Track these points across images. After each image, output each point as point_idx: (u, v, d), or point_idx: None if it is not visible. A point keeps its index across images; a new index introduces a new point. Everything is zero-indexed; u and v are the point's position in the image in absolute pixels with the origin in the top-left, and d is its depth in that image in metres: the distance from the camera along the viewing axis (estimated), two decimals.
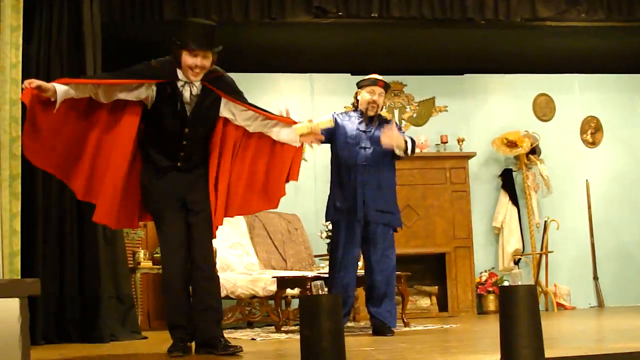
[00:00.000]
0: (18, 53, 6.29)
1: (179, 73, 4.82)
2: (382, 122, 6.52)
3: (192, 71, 4.75)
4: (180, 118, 4.85)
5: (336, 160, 6.44)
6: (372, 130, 6.39)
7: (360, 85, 6.56)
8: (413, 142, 6.34)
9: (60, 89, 4.65)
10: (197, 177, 4.99)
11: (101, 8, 7.25)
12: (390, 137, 6.19)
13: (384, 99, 6.65)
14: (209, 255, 5.04)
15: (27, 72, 6.57)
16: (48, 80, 6.63)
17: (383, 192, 6.31)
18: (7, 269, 5.95)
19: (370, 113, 6.43)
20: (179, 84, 4.83)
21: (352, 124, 6.46)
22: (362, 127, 6.42)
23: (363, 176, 6.26)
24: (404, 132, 6.52)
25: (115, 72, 4.84)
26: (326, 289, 3.30)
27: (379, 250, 6.26)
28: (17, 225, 6.11)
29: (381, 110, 6.59)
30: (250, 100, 5.16)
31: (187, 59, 4.73)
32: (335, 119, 6.48)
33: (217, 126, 5.01)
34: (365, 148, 6.32)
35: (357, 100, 6.57)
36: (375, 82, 6.47)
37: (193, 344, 4.98)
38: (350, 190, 6.28)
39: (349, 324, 7.48)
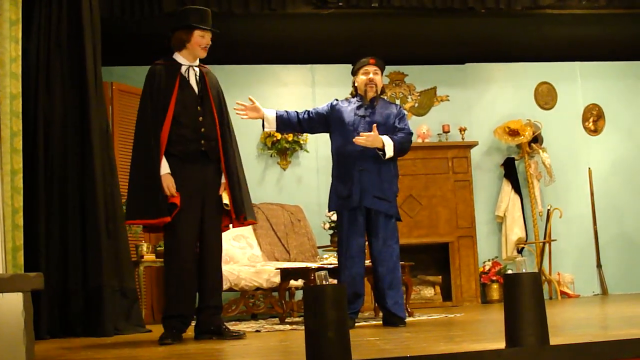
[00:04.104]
0: (17, 47, 6.28)
1: (180, 58, 5.44)
2: (386, 105, 6.43)
3: (202, 49, 5.40)
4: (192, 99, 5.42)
5: (335, 149, 6.33)
6: (371, 115, 6.24)
7: (354, 72, 6.46)
8: (399, 145, 6.13)
9: None
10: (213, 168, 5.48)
11: (100, 1, 7.24)
12: (365, 140, 5.99)
13: (385, 84, 6.53)
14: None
15: (27, 66, 6.57)
16: (48, 76, 6.70)
17: (382, 179, 6.16)
18: (10, 263, 5.95)
19: (371, 93, 6.28)
20: (183, 68, 5.42)
21: (350, 109, 6.31)
22: (361, 112, 6.26)
23: (361, 162, 6.11)
24: (405, 125, 6.35)
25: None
26: (330, 280, 3.28)
27: (380, 240, 6.15)
28: (20, 220, 6.11)
29: (382, 91, 6.41)
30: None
31: (198, 39, 5.38)
32: (331, 104, 6.42)
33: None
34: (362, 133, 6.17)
35: (356, 88, 6.44)
36: (366, 62, 6.34)
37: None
38: (348, 178, 6.16)
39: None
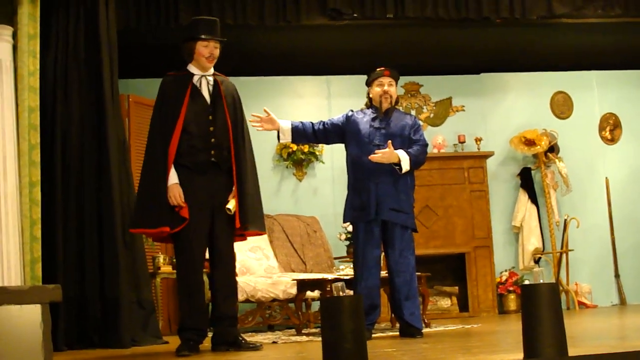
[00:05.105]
0: (36, 61, 6.34)
1: (193, 69, 5.44)
2: (401, 116, 6.42)
3: (206, 59, 5.38)
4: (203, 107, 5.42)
5: (350, 160, 6.32)
6: (386, 127, 6.24)
7: (368, 83, 6.46)
8: (415, 158, 6.14)
9: None
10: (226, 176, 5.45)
11: (117, 14, 7.28)
12: (381, 157, 6.00)
13: (401, 94, 6.50)
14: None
15: (45, 80, 6.62)
16: (65, 89, 6.76)
17: (398, 191, 6.16)
18: (28, 275, 5.98)
19: (385, 105, 6.27)
20: (195, 78, 5.42)
21: (365, 121, 6.30)
22: (376, 123, 6.26)
23: (377, 174, 6.10)
24: (421, 136, 6.34)
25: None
26: (347, 291, 3.29)
27: (397, 251, 6.15)
28: (38, 232, 6.15)
29: (396, 102, 6.41)
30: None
31: (201, 49, 5.38)
32: (347, 115, 6.42)
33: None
34: (379, 145, 6.10)
35: (370, 99, 6.43)
36: (380, 74, 6.34)
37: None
38: (364, 190, 6.15)
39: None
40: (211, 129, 5.34)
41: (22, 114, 6.16)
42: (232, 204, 5.29)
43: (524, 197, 10.39)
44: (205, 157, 5.30)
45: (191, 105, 5.32)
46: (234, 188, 5.34)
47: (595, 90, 10.89)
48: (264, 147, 9.70)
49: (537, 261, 10.24)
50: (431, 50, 9.89)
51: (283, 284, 8.07)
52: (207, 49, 5.37)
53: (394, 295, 6.20)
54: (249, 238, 5.80)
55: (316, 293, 7.80)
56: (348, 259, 8.80)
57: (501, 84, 10.78)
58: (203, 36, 5.35)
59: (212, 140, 5.32)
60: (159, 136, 5.29)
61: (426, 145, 6.31)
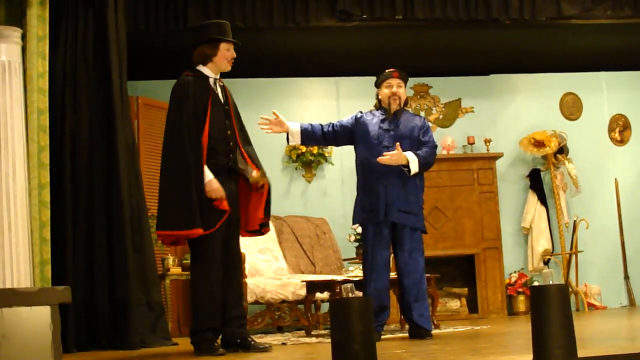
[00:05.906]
0: (45, 62, 6.35)
1: (207, 71, 5.42)
2: (410, 117, 6.42)
3: (228, 62, 5.42)
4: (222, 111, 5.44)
5: (359, 161, 6.33)
6: (395, 128, 6.25)
7: (377, 85, 6.46)
8: (423, 160, 6.14)
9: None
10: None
11: (126, 16, 7.29)
12: (389, 159, 6.00)
13: (410, 96, 6.48)
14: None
15: (54, 82, 6.63)
16: (74, 91, 6.78)
17: (408, 193, 6.17)
18: (38, 277, 6.00)
19: (394, 106, 6.28)
20: (211, 81, 5.42)
21: (374, 122, 6.31)
22: (385, 125, 6.27)
23: (386, 176, 6.10)
24: (430, 138, 6.32)
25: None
26: (356, 292, 3.29)
27: (406, 252, 6.15)
28: (47, 234, 6.17)
29: (405, 103, 6.42)
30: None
31: (225, 52, 5.39)
32: (356, 117, 6.41)
33: None
34: (388, 147, 6.11)
35: (379, 101, 6.44)
36: (389, 75, 6.34)
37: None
38: (373, 191, 6.15)
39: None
40: (229, 132, 5.37)
41: (31, 115, 6.18)
42: (256, 173, 5.35)
43: (533, 198, 10.36)
44: (224, 160, 5.33)
45: (213, 108, 5.34)
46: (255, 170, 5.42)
47: (604, 92, 10.86)
48: (273, 148, 9.70)
49: (546, 262, 10.21)
50: (440, 52, 9.88)
51: (292, 285, 8.06)
52: (230, 52, 5.41)
53: (403, 297, 6.20)
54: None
55: (325, 294, 7.79)
56: (357, 260, 8.78)
57: (510, 85, 10.76)
58: (228, 38, 5.39)
59: (231, 144, 5.36)
60: (187, 137, 5.21)
61: (435, 146, 6.31)
